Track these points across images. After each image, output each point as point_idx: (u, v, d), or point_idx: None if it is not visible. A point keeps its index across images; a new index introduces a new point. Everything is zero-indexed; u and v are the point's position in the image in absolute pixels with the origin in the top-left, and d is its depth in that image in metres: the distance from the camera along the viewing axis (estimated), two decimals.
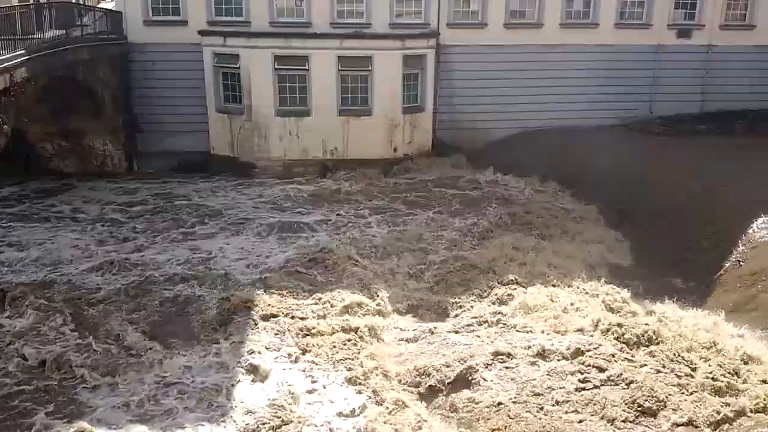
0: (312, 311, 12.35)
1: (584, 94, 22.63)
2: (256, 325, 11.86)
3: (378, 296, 12.84)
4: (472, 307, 12.72)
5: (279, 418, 9.45)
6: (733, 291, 12.99)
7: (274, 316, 12.15)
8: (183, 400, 9.90)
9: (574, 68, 22.51)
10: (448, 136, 22.64)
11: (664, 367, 10.26)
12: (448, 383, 10.21)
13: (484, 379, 10.15)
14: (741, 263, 13.56)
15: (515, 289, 13.08)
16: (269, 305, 12.44)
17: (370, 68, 21.01)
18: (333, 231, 16.56)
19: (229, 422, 9.45)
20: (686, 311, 12.28)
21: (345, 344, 11.26)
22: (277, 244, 15.77)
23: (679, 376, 10.02)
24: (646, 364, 10.31)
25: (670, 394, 9.58)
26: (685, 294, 13.16)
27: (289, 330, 11.70)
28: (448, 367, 10.47)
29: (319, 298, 12.75)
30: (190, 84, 21.15)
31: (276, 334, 11.65)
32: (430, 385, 10.23)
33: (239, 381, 10.37)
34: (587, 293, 12.89)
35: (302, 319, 12.06)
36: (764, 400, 9.33)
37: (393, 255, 14.98)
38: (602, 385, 9.87)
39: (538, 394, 9.78)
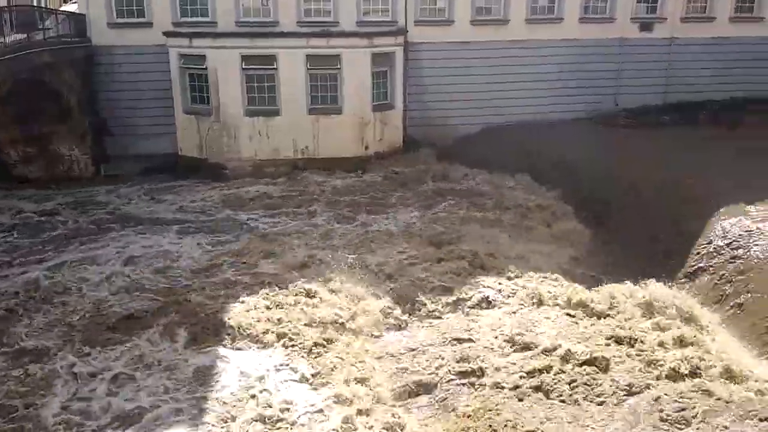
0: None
1: (551, 89, 22.95)
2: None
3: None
4: (438, 302, 12.81)
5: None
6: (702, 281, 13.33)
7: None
8: None
9: (541, 63, 22.79)
10: (419, 133, 22.77)
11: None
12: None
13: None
14: (706, 253, 13.89)
15: (484, 281, 13.26)
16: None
17: (338, 66, 21.03)
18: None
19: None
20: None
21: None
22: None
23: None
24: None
25: None
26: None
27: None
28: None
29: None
30: (156, 86, 20.95)
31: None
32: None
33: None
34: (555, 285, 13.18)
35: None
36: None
37: (367, 252, 15.04)
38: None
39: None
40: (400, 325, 12.10)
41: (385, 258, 14.51)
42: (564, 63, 22.92)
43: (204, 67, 20.54)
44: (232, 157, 20.98)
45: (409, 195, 19.02)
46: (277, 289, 12.94)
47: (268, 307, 12.34)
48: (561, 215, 17.40)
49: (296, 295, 12.72)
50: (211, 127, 20.94)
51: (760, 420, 8.75)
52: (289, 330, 11.54)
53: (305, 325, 11.69)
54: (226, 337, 11.48)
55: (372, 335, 11.78)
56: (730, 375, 9.83)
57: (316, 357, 10.94)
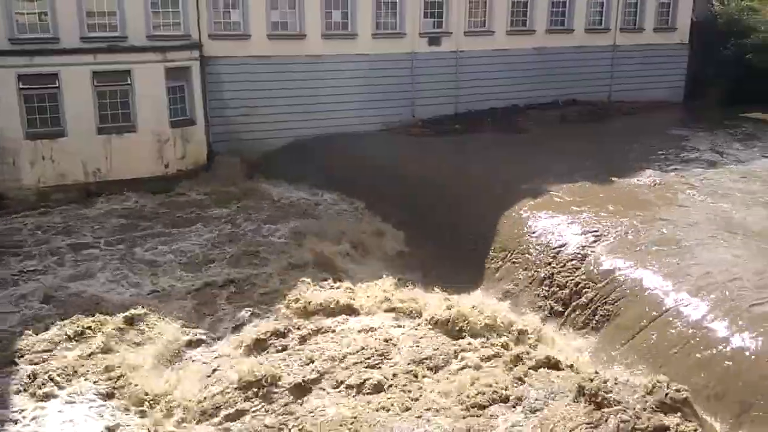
0: None
1: (351, 102, 23.62)
2: None
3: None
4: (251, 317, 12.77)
5: None
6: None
7: None
8: None
9: (339, 77, 23.37)
10: (224, 149, 22.33)
11: None
12: None
13: None
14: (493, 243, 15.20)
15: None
16: None
17: (129, 82, 20.06)
18: None
19: None
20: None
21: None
22: None
23: None
24: None
25: None
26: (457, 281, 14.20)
27: None
28: None
29: None
30: None
31: None
32: None
33: None
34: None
35: None
36: None
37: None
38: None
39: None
40: None
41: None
42: (362, 77, 23.69)
43: None
44: (10, 186, 19.06)
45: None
46: None
47: None
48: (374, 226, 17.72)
49: None
50: None
51: None
52: None
53: None
54: None
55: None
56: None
57: None
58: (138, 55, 20.13)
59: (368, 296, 13.05)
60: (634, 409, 8.57)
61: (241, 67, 22.19)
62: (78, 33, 19.71)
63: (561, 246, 13.67)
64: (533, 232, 14.54)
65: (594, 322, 11.84)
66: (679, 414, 8.60)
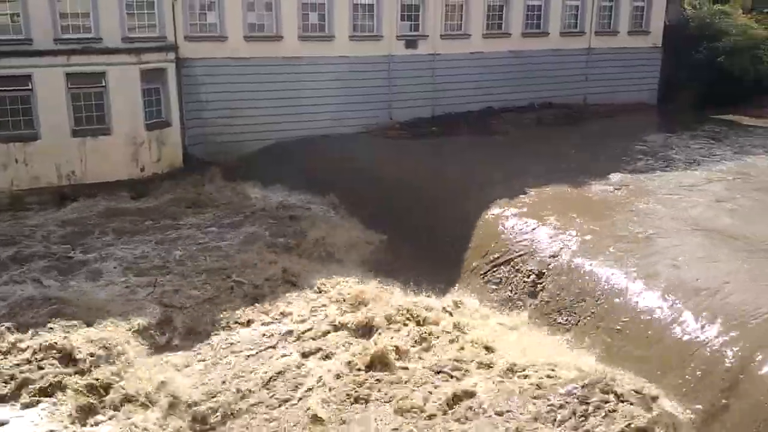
0: None
1: (329, 104, 23.63)
2: None
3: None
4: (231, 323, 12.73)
5: None
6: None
7: None
8: None
9: (317, 79, 23.39)
10: (201, 151, 22.23)
11: None
12: None
13: None
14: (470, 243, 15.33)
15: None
16: None
17: (104, 84, 19.88)
18: None
19: None
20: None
21: None
22: None
23: None
24: None
25: None
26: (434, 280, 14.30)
27: None
28: None
29: None
30: None
31: None
32: None
33: None
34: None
35: None
36: None
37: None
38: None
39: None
40: None
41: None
42: (340, 79, 23.72)
43: None
44: None
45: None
46: None
47: None
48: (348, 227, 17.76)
49: None
50: None
51: None
52: None
53: None
54: None
55: None
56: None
57: None
58: (113, 56, 19.94)
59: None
60: None
61: (217, 69, 22.11)
62: (51, 34, 19.47)
63: (533, 245, 13.90)
64: (507, 233, 14.72)
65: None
66: None
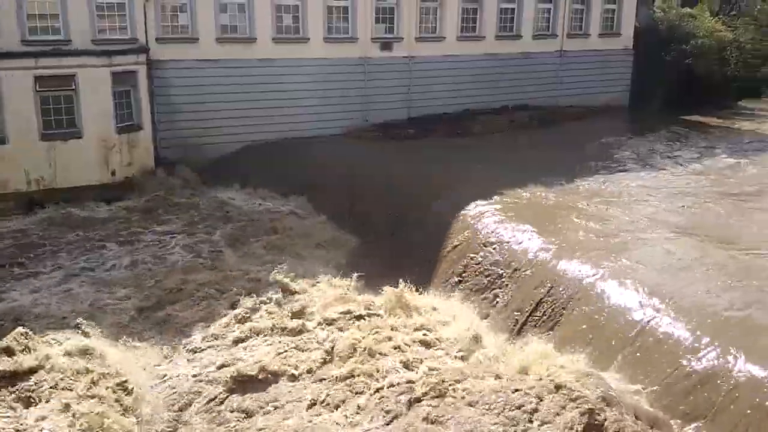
0: None
1: (304, 106, 23.50)
2: None
3: None
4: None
5: None
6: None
7: None
8: None
9: (292, 81, 23.22)
10: (173, 154, 21.92)
11: None
12: None
13: None
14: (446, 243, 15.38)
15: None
16: None
17: (74, 87, 19.49)
18: None
19: None
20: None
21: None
22: None
23: None
24: None
25: None
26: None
27: None
28: None
29: None
30: None
31: None
32: None
33: None
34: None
35: None
36: None
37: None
38: None
39: None
40: None
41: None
42: (314, 81, 23.58)
43: None
44: None
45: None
46: None
47: None
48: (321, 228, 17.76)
49: None
50: None
51: None
52: None
53: None
54: None
55: None
56: None
57: None
58: (83, 59, 19.56)
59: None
60: None
61: (189, 71, 21.83)
62: (19, 36, 19.05)
63: (502, 244, 14.06)
64: (479, 234, 14.83)
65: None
66: None
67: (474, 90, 26.35)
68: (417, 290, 13.41)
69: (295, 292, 13.44)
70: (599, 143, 24.17)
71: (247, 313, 12.71)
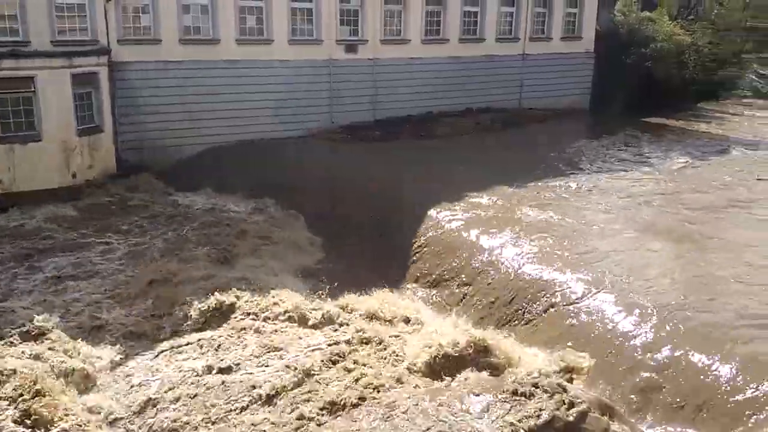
0: None
1: (269, 108, 23.49)
2: None
3: None
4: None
5: None
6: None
7: None
8: None
9: (257, 83, 23.16)
10: (135, 157, 21.72)
11: None
12: None
13: None
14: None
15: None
16: None
17: (33, 89, 19.18)
18: None
19: None
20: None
21: None
22: None
23: None
24: None
25: None
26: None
27: None
28: None
29: None
30: None
31: None
32: None
33: None
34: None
35: None
36: None
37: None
38: None
39: None
40: None
41: None
42: (280, 83, 23.58)
43: None
44: None
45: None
46: None
47: None
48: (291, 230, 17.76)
49: None
50: None
51: None
52: None
53: None
54: None
55: None
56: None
57: None
58: (42, 60, 19.24)
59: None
60: None
61: (152, 73, 21.68)
62: None
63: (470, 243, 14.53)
64: (445, 233, 15.20)
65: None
66: None
67: (438, 92, 26.65)
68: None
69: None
70: (562, 146, 24.60)
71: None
